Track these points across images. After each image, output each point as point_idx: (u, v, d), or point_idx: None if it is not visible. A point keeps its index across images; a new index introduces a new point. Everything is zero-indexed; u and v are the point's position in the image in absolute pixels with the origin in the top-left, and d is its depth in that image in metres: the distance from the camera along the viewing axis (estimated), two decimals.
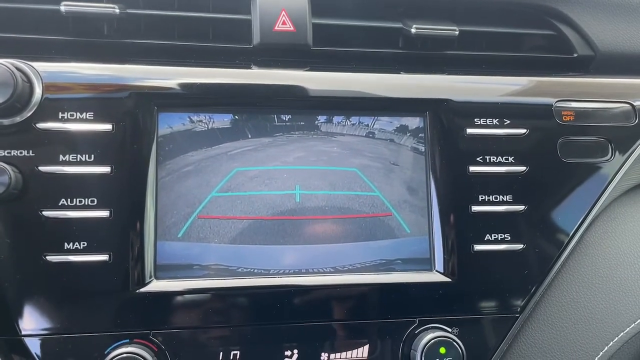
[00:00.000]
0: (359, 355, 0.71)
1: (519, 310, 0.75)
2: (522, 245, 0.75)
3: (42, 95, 0.65)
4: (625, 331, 0.80)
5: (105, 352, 0.64)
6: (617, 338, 0.79)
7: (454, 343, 0.70)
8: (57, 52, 0.73)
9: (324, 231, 0.72)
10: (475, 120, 0.76)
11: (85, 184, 0.65)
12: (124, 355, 0.62)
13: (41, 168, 0.64)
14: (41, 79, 0.66)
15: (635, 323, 0.80)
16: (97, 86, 0.67)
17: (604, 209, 0.82)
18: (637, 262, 0.83)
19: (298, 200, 0.72)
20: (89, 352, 0.64)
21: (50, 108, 0.66)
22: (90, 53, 0.73)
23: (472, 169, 0.75)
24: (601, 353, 0.79)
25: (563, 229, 0.77)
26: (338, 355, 0.71)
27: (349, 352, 0.71)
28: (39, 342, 0.63)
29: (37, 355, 0.63)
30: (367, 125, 0.76)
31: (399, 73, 0.79)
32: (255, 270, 0.70)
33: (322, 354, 0.70)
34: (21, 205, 0.64)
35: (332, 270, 0.72)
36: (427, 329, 0.72)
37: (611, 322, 0.80)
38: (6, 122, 0.64)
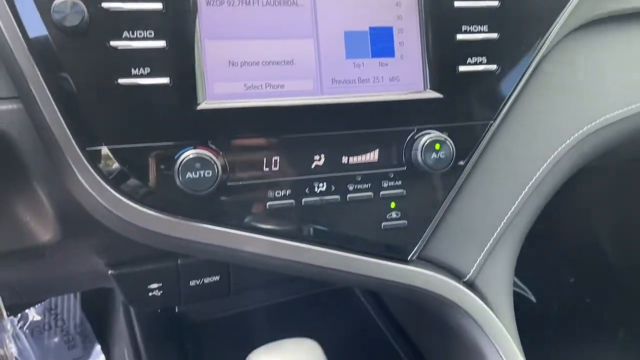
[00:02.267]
0: (372, 158, 0.90)
1: (494, 118, 0.94)
2: (496, 66, 0.93)
3: None
4: (575, 135, 1.02)
5: (175, 157, 0.79)
6: (568, 141, 1.02)
7: (446, 141, 0.89)
8: None
9: None
10: None
11: (142, 20, 0.77)
12: (192, 155, 0.78)
13: (104, 5, 0.75)
14: None
15: (583, 129, 1.03)
16: None
17: (557, 44, 1.01)
18: (578, 86, 1.04)
19: None
20: (163, 157, 0.79)
21: None
22: None
23: (457, 4, 0.90)
24: (555, 154, 1.02)
25: (525, 53, 0.96)
26: (356, 158, 0.89)
27: (364, 156, 0.89)
28: (121, 150, 0.77)
29: (120, 161, 0.78)
30: None
31: None
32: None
33: (343, 157, 0.88)
34: (91, 37, 0.75)
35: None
36: (424, 134, 0.90)
37: (562, 129, 1.02)
38: None
